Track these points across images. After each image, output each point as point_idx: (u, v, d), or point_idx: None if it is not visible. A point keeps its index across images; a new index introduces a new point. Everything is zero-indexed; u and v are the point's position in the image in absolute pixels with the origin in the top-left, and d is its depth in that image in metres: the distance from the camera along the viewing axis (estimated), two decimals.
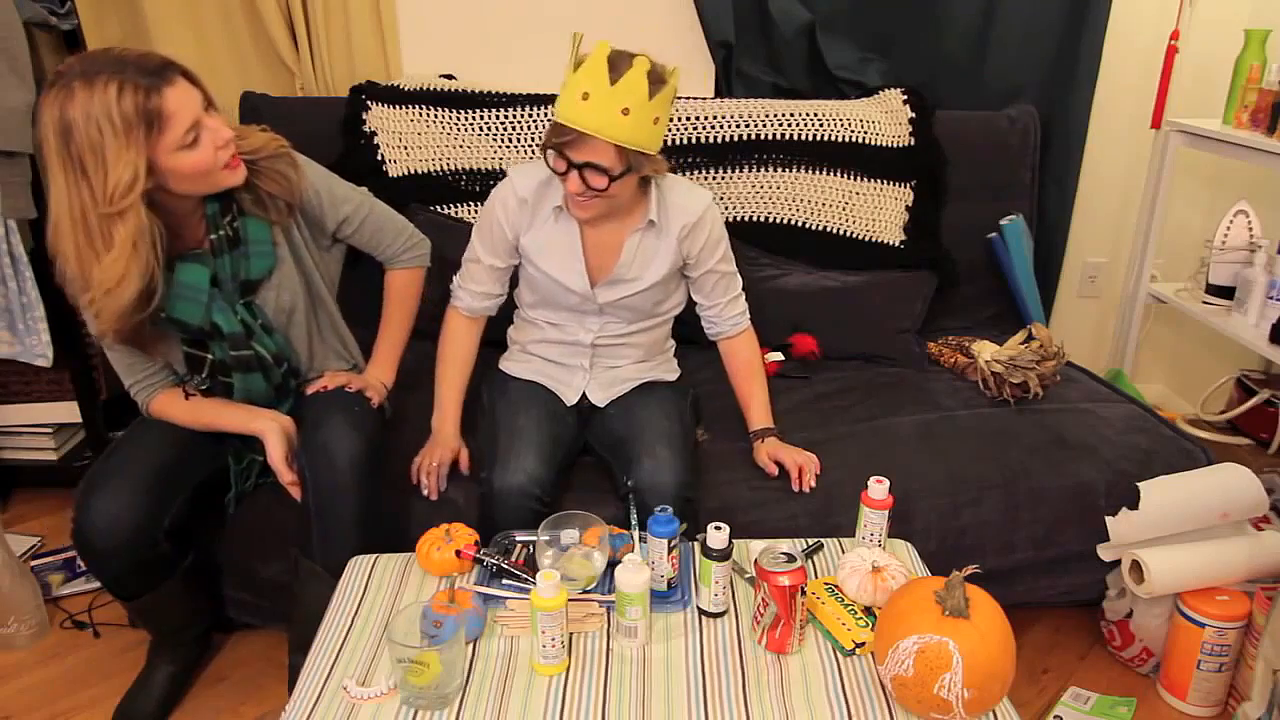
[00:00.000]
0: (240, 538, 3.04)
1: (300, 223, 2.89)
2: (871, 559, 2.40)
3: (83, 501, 2.67)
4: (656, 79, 2.60)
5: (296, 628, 2.87)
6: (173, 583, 2.91)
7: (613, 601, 2.35)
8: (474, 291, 3.06)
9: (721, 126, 4.04)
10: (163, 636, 3.12)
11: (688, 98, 4.11)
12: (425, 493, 2.92)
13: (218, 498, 2.98)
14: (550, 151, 2.67)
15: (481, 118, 3.98)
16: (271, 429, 2.79)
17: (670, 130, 4.03)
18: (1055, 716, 3.08)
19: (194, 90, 2.45)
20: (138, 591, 2.87)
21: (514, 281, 3.15)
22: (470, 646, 2.27)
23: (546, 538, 2.44)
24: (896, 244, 4.09)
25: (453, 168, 3.97)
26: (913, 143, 4.12)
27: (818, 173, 4.09)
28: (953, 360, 3.77)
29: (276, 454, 2.77)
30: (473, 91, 4.01)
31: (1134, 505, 3.07)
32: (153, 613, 3.01)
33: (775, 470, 3.04)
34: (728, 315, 3.13)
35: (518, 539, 2.57)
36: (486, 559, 2.46)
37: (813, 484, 3.01)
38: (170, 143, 2.39)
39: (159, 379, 2.86)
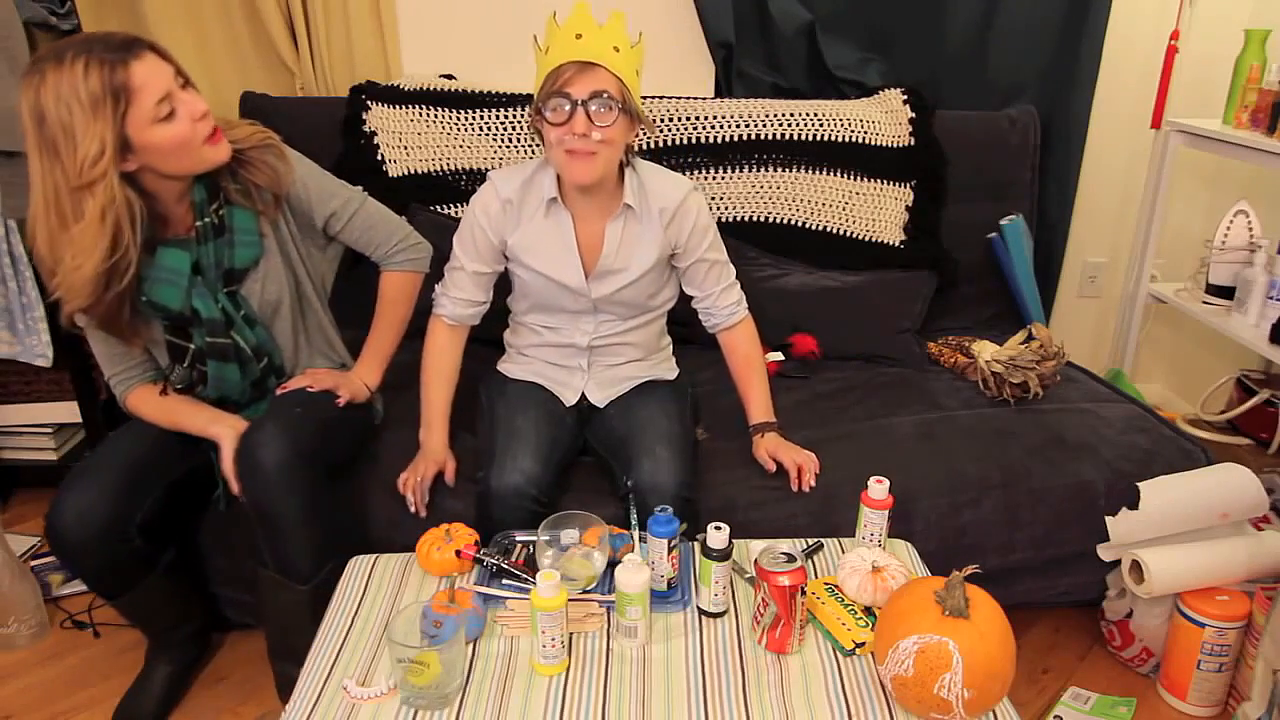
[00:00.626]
0: (233, 537, 3.03)
1: (288, 217, 2.91)
2: (871, 559, 2.40)
3: (56, 498, 2.68)
4: (632, 37, 2.70)
5: (270, 635, 2.90)
6: (154, 580, 2.90)
7: (613, 601, 2.35)
8: (457, 299, 3.04)
9: (721, 126, 4.05)
10: (155, 635, 3.13)
11: (688, 98, 4.11)
12: (411, 509, 2.91)
13: (204, 495, 2.98)
14: (549, 103, 2.65)
15: (481, 118, 3.98)
16: (227, 435, 2.77)
17: (670, 130, 4.03)
18: (1055, 716, 3.08)
19: (164, 65, 2.47)
20: (119, 589, 2.86)
21: (506, 289, 3.15)
22: (470, 646, 2.27)
23: (546, 538, 2.44)
24: (896, 244, 4.10)
25: (453, 168, 3.97)
26: (913, 143, 4.12)
27: (818, 173, 4.10)
28: (953, 360, 3.77)
29: (228, 462, 2.75)
30: (473, 91, 4.01)
31: (1134, 505, 3.07)
32: (138, 611, 3.00)
33: (774, 467, 3.04)
34: (722, 305, 3.11)
35: (518, 539, 2.57)
36: (486, 559, 2.47)
37: (812, 483, 3.01)
38: (142, 116, 2.41)
39: (138, 372, 2.88)
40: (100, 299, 2.54)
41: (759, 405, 3.12)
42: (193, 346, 2.79)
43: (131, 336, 2.73)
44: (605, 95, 2.61)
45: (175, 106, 2.47)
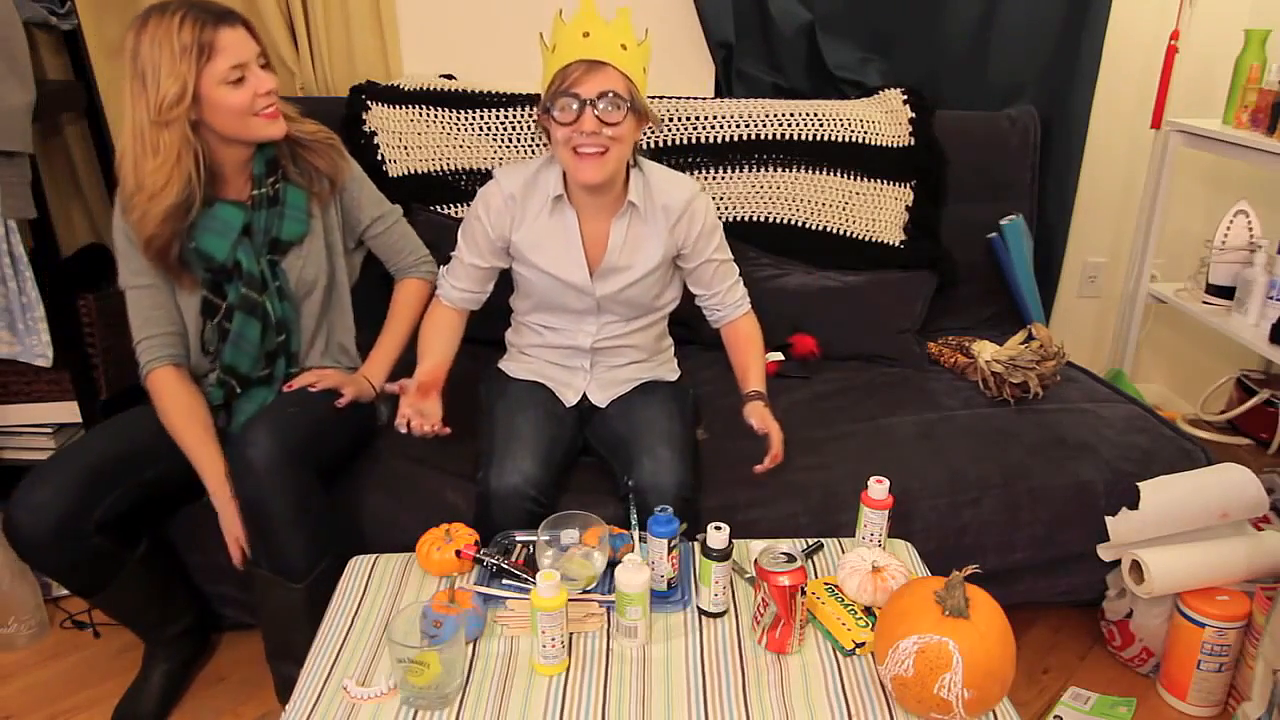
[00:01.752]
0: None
1: (337, 210, 3.09)
2: (871, 559, 2.40)
3: (14, 495, 2.70)
4: (639, 36, 2.72)
5: (267, 635, 2.91)
6: (128, 577, 2.90)
7: (613, 601, 2.36)
8: (455, 286, 3.08)
9: (721, 126, 4.04)
10: (146, 634, 3.13)
11: (688, 98, 4.11)
12: (406, 430, 2.78)
13: (188, 494, 2.98)
14: (557, 103, 2.66)
15: (481, 118, 3.97)
16: (219, 496, 2.84)
17: (670, 130, 4.03)
18: (1055, 716, 3.08)
19: (250, 41, 2.76)
20: (90, 587, 2.87)
21: (508, 288, 3.17)
22: (470, 646, 2.27)
23: (546, 538, 2.45)
24: (896, 244, 4.10)
25: (453, 168, 3.97)
26: (913, 143, 4.12)
27: (818, 173, 4.10)
28: (953, 360, 3.77)
29: (230, 524, 2.86)
30: (473, 91, 4.01)
31: (1134, 505, 3.07)
32: (119, 608, 3.01)
33: (764, 431, 2.94)
34: (730, 301, 3.13)
35: (518, 539, 2.58)
36: (486, 559, 2.47)
37: (767, 467, 2.92)
38: (216, 74, 2.68)
39: (169, 345, 2.94)
40: (164, 231, 2.76)
41: (756, 375, 3.08)
42: (225, 304, 2.91)
43: (180, 273, 2.89)
44: (613, 94, 2.62)
45: (246, 76, 2.73)
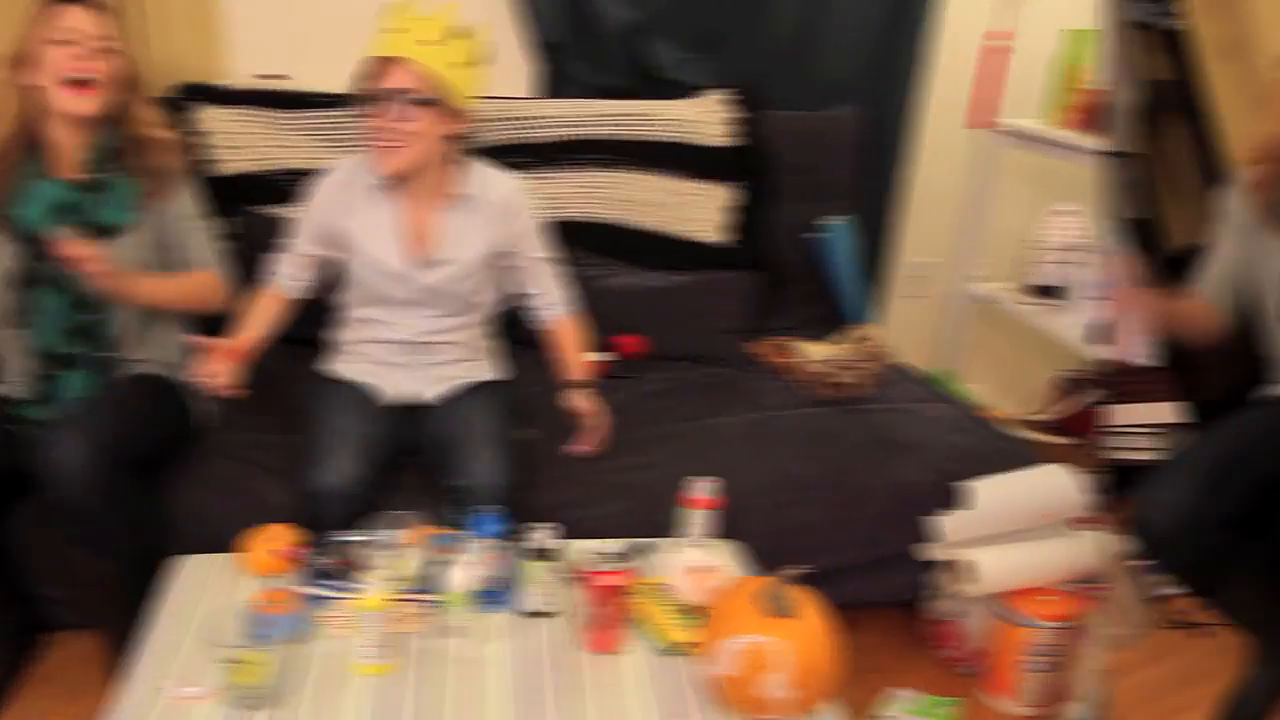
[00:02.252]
0: (58, 536, 2.96)
1: (180, 211, 3.08)
2: (696, 559, 2.41)
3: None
4: (460, 31, 2.80)
5: (101, 617, 2.90)
6: None
7: (437, 602, 2.35)
8: (284, 272, 3.11)
9: (544, 127, 4.04)
10: None
11: (509, 97, 4.10)
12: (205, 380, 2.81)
13: (18, 495, 2.90)
14: (357, 96, 2.76)
15: (307, 118, 3.94)
16: None
17: (494, 130, 4.00)
18: (879, 716, 3.10)
19: (92, 24, 2.84)
20: None
21: (336, 288, 3.16)
22: (293, 647, 2.23)
23: (370, 538, 2.44)
24: (720, 244, 4.11)
25: (279, 168, 3.93)
26: (738, 143, 4.13)
27: (641, 173, 4.10)
28: (777, 360, 3.78)
29: None
30: (297, 92, 3.97)
31: (958, 506, 3.11)
32: None
33: (582, 414, 3.09)
34: (553, 300, 3.20)
35: (342, 539, 2.55)
36: (309, 559, 2.45)
37: (585, 449, 3.07)
38: (45, 33, 2.78)
39: None
40: None
41: (578, 368, 3.17)
42: (32, 277, 2.91)
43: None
44: (405, 91, 2.69)
45: (73, 46, 2.79)
